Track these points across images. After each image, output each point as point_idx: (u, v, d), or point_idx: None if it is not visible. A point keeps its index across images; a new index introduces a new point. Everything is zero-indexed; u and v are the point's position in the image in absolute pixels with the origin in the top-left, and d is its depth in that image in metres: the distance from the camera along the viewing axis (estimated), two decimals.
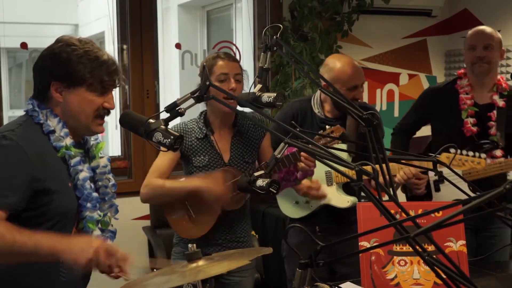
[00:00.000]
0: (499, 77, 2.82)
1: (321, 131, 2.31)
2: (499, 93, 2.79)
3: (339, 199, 2.60)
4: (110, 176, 1.90)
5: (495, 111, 2.77)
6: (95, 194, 1.79)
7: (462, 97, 2.81)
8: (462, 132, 2.76)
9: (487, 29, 2.82)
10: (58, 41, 1.75)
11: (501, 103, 2.77)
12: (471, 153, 2.48)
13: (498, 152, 2.68)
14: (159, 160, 2.40)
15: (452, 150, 2.48)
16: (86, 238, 1.67)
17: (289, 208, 2.71)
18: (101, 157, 1.89)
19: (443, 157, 2.41)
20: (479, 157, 2.48)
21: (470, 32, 2.86)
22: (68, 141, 1.73)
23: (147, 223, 3.66)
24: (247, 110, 2.42)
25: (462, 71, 2.89)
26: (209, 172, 2.36)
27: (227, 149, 2.41)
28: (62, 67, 1.70)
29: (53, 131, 1.72)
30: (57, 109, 1.75)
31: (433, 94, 2.94)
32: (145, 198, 2.40)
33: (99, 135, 1.90)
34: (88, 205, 1.76)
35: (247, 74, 2.52)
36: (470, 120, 2.77)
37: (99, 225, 1.82)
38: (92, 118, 1.75)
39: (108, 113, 1.79)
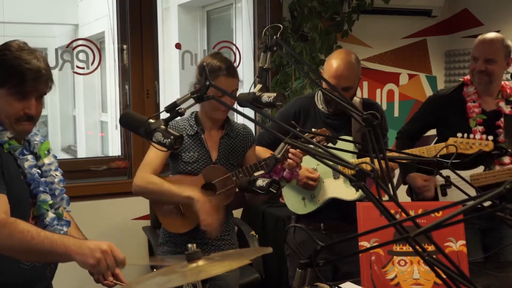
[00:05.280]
0: (503, 83, 2.80)
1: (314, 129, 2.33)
2: (505, 99, 2.79)
3: (347, 191, 2.60)
4: (58, 172, 1.95)
5: (502, 119, 2.76)
6: (43, 179, 1.86)
7: (470, 105, 2.79)
8: None
9: (493, 40, 2.73)
10: (5, 43, 1.83)
11: (507, 109, 2.76)
12: (478, 136, 2.48)
13: (507, 159, 2.69)
14: (153, 154, 2.38)
15: (459, 137, 2.52)
16: (95, 241, 1.71)
17: (295, 204, 2.71)
18: (47, 155, 1.94)
19: (450, 141, 2.48)
20: (486, 139, 2.48)
21: (476, 39, 2.79)
22: (8, 135, 1.80)
23: (147, 223, 3.65)
24: (247, 110, 2.42)
25: (468, 77, 2.86)
26: (197, 168, 2.38)
27: (215, 148, 2.44)
28: None
29: None
30: None
31: (440, 101, 2.91)
32: (139, 191, 2.37)
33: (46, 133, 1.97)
34: (40, 188, 1.83)
35: (242, 82, 2.54)
36: (479, 128, 2.75)
37: (54, 212, 1.88)
38: (13, 120, 1.80)
39: (29, 118, 1.81)
